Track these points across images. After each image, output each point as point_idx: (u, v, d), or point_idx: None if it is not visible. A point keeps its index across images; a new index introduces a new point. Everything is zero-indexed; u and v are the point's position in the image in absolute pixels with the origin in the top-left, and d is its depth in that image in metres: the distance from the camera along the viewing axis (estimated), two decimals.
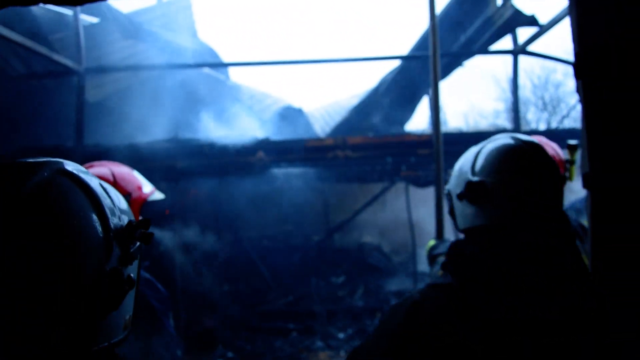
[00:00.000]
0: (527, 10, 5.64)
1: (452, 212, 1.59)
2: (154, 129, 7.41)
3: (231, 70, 9.52)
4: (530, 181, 1.34)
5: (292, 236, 11.82)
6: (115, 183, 2.21)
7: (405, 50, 7.12)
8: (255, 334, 8.79)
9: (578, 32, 1.66)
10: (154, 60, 8.08)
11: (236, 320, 9.16)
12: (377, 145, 6.15)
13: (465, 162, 1.51)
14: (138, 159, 6.07)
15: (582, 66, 1.62)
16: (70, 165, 0.97)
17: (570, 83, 22.05)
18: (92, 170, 2.23)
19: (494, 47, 6.39)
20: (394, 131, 9.23)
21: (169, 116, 7.73)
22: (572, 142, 2.89)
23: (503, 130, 6.15)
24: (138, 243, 1.01)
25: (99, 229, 0.91)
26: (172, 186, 6.61)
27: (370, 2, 60.75)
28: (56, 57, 5.62)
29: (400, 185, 11.01)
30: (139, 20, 7.50)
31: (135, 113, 7.43)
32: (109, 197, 1.00)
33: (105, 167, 2.31)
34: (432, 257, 2.83)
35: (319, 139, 6.24)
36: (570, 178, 2.71)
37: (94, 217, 0.92)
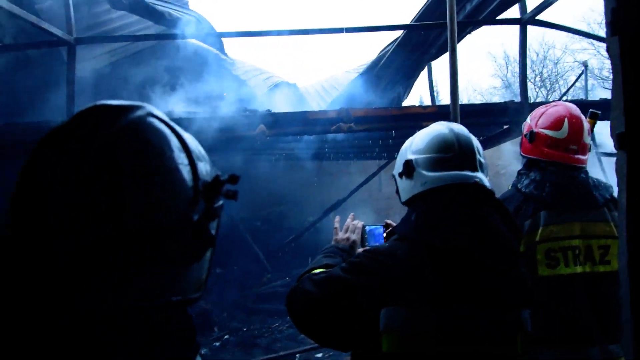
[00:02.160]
0: None
1: (397, 192, 1.88)
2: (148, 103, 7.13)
3: (226, 45, 9.23)
4: (448, 156, 1.69)
5: (286, 217, 11.63)
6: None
7: (407, 21, 6.87)
8: (251, 316, 8.63)
9: None
10: (146, 31, 7.78)
11: (232, 302, 8.98)
12: (381, 118, 5.92)
13: (404, 147, 1.86)
14: None
15: (620, 21, 1.53)
16: (159, 111, 0.91)
17: (569, 59, 21.94)
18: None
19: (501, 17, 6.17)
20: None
21: (164, 91, 7.45)
22: (594, 110, 2.83)
23: (511, 102, 5.97)
24: (221, 201, 0.95)
25: (189, 175, 0.86)
26: None
27: None
28: (45, 25, 5.30)
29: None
30: None
31: (126, 88, 7.14)
32: (197, 145, 0.95)
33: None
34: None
35: (322, 111, 5.99)
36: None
37: (186, 160, 0.86)
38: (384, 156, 9.80)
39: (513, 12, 6.23)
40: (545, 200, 2.35)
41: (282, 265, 10.17)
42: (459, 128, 1.77)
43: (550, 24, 6.01)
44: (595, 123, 2.83)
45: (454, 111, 4.23)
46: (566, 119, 2.45)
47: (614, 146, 1.57)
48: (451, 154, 1.68)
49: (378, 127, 6.01)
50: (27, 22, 5.25)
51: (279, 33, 6.29)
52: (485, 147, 7.77)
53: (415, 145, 1.78)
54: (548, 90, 22.22)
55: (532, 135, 2.54)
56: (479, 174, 1.69)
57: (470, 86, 36.04)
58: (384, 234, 2.13)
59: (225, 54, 9.04)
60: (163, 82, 7.64)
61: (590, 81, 14.48)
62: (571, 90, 15.41)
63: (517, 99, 6.02)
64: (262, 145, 7.18)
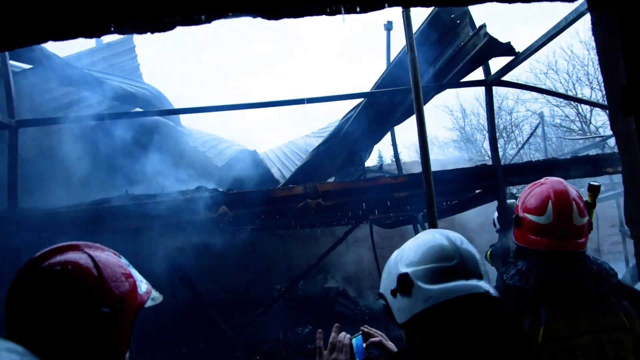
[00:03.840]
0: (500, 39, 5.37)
1: (388, 313, 1.64)
2: (99, 184, 6.69)
3: (182, 116, 8.91)
4: (450, 264, 1.53)
5: (252, 286, 11.12)
6: (101, 280, 1.37)
7: (368, 87, 6.71)
8: None
9: (626, 64, 1.63)
10: (97, 108, 7.38)
11: None
12: (351, 191, 5.64)
13: (392, 260, 1.66)
14: (87, 221, 5.35)
15: (635, 102, 1.59)
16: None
17: (522, 108, 22.48)
18: (62, 258, 1.38)
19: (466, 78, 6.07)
20: (355, 171, 8.80)
21: (118, 169, 7.03)
22: (594, 183, 2.50)
23: (484, 165, 5.78)
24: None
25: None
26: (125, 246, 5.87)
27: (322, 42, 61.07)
28: None
29: (363, 227, 10.58)
30: (79, 64, 6.79)
31: (80, 167, 6.69)
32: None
33: (83, 254, 1.44)
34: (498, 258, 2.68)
35: (287, 188, 5.65)
36: (590, 218, 2.28)
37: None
38: (351, 222, 9.49)
39: (477, 74, 6.13)
40: (530, 294, 2.03)
41: (252, 341, 9.60)
42: (454, 235, 1.63)
43: (515, 84, 5.96)
44: (596, 196, 2.51)
45: (427, 181, 3.95)
46: (550, 202, 2.14)
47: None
48: (454, 261, 1.52)
49: (348, 200, 5.72)
50: None
51: (237, 107, 6.02)
52: (454, 213, 7.60)
53: (407, 257, 1.60)
54: (505, 141, 22.58)
55: (518, 221, 2.23)
56: (485, 283, 1.54)
57: (429, 139, 36.64)
58: (364, 345, 1.85)
59: (182, 126, 8.71)
60: (120, 157, 7.22)
61: (546, 129, 14.73)
62: (531, 138, 15.62)
63: (475, 151, 5.85)
64: (226, 225, 6.78)
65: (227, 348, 9.36)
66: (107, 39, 8.17)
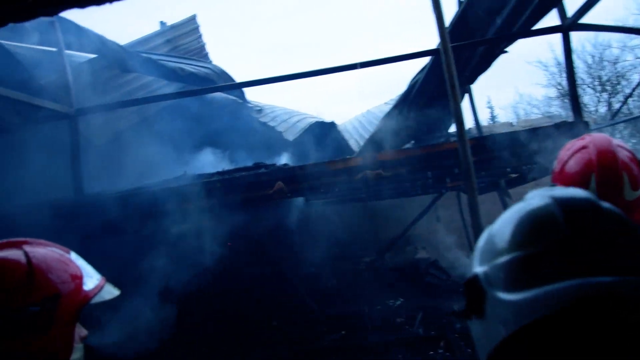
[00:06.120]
0: None
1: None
2: (168, 166, 6.77)
3: (257, 93, 8.84)
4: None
5: (338, 259, 10.97)
6: (30, 277, 1.25)
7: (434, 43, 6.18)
8: None
9: None
10: (165, 90, 7.47)
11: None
12: (412, 159, 5.24)
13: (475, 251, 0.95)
14: (145, 203, 5.41)
15: None
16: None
17: (629, 57, 20.20)
18: None
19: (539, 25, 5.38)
20: (435, 137, 8.30)
21: (185, 150, 7.09)
22: None
23: (563, 122, 5.12)
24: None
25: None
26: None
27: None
28: (37, 101, 5.03)
29: (450, 194, 10.03)
30: (142, 49, 6.86)
31: (147, 151, 6.80)
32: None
33: (18, 250, 1.32)
34: None
35: (343, 160, 5.35)
36: None
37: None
38: (430, 192, 8.97)
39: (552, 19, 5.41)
40: None
41: (338, 314, 9.48)
42: (576, 193, 0.86)
43: (596, 26, 5.18)
44: None
45: (462, 146, 3.50)
46: (593, 173, 1.68)
47: None
48: (560, 235, 0.79)
49: (410, 169, 5.32)
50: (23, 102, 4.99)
51: (294, 77, 5.77)
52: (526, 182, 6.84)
53: (488, 245, 0.90)
54: (610, 94, 20.37)
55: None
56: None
57: (524, 99, 34.07)
58: None
59: (250, 102, 8.61)
60: (188, 138, 7.29)
61: None
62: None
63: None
64: (282, 202, 6.64)
65: (313, 321, 9.33)
66: (170, 20, 8.24)
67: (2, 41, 5.46)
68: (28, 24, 5.65)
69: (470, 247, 8.96)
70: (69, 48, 5.80)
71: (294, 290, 9.67)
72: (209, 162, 6.82)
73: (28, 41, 5.85)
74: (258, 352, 8.13)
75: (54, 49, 5.84)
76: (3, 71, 5.31)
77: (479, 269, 0.87)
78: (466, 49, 5.48)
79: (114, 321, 5.20)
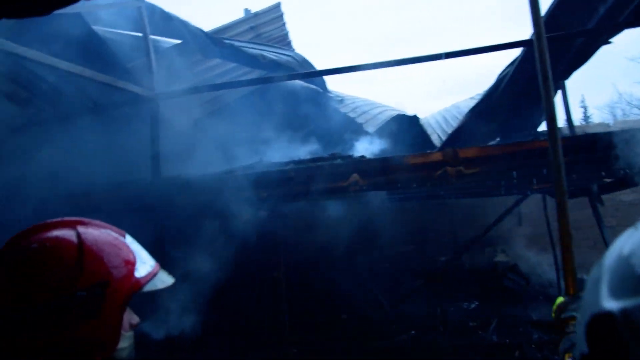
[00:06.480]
0: None
1: None
2: (244, 155, 6.79)
3: (339, 82, 8.73)
4: None
5: (413, 257, 10.70)
6: (79, 260, 1.17)
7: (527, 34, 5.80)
8: None
9: None
10: (247, 77, 7.51)
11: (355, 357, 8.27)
12: (497, 157, 4.92)
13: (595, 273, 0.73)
14: (215, 190, 5.42)
15: None
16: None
17: None
18: (45, 235, 1.22)
19: None
20: (521, 136, 7.85)
21: (261, 139, 7.08)
22: None
23: None
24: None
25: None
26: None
27: None
28: (121, 84, 5.14)
29: (536, 197, 9.49)
30: (225, 36, 6.91)
31: (223, 139, 6.86)
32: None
33: (71, 231, 1.25)
34: (561, 321, 1.78)
35: (423, 154, 5.12)
36: None
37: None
38: (513, 192, 8.51)
39: None
40: None
41: (409, 313, 9.25)
42: None
43: None
44: None
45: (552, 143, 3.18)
46: None
47: None
48: None
49: (494, 168, 5.00)
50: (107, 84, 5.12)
51: (377, 66, 5.61)
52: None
53: (628, 267, 0.67)
54: None
55: None
56: None
57: (623, 98, 31.86)
58: None
59: (331, 91, 8.50)
60: (266, 126, 7.29)
61: None
62: None
63: None
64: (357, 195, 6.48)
65: (383, 319, 9.15)
66: (255, 8, 8.25)
67: (95, 27, 5.63)
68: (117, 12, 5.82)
69: (554, 254, 8.44)
70: (154, 33, 5.91)
71: (366, 285, 9.53)
72: (286, 150, 6.78)
73: (117, 27, 6.02)
74: (327, 345, 8.08)
75: (140, 34, 5.97)
76: (93, 54, 5.48)
77: (611, 304, 0.65)
78: (563, 40, 5.08)
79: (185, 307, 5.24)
